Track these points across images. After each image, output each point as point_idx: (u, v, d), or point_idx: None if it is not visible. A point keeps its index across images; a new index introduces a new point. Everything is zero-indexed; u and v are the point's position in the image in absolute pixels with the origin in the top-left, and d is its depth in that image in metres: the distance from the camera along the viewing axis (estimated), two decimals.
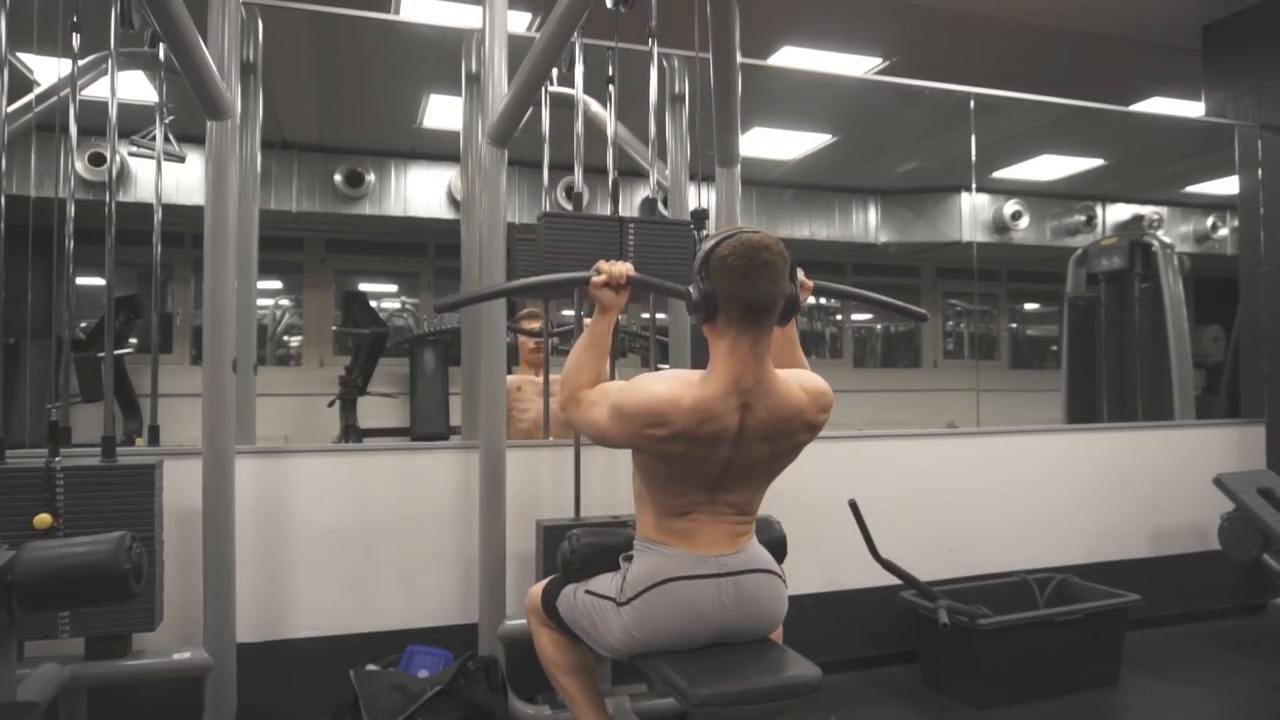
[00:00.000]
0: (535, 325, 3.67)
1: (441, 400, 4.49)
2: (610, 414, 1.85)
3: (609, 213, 2.79)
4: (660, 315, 3.33)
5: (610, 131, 2.95)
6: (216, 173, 2.49)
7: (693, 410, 1.76)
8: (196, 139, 2.68)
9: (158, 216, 3.17)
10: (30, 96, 3.04)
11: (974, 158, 4.70)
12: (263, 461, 2.80)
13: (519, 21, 4.45)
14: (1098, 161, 6.43)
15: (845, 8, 4.69)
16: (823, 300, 7.52)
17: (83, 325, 4.13)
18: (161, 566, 2.38)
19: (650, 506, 1.94)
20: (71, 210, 2.43)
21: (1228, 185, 4.88)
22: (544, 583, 2.22)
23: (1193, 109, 5.49)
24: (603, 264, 2.00)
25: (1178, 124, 5.53)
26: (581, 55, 2.91)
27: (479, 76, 3.01)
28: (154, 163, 3.23)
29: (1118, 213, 7.06)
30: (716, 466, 1.86)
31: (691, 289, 1.84)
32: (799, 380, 1.90)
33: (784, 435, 1.86)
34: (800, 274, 2.01)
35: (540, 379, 3.31)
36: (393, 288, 6.54)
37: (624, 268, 2.00)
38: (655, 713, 2.73)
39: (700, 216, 2.64)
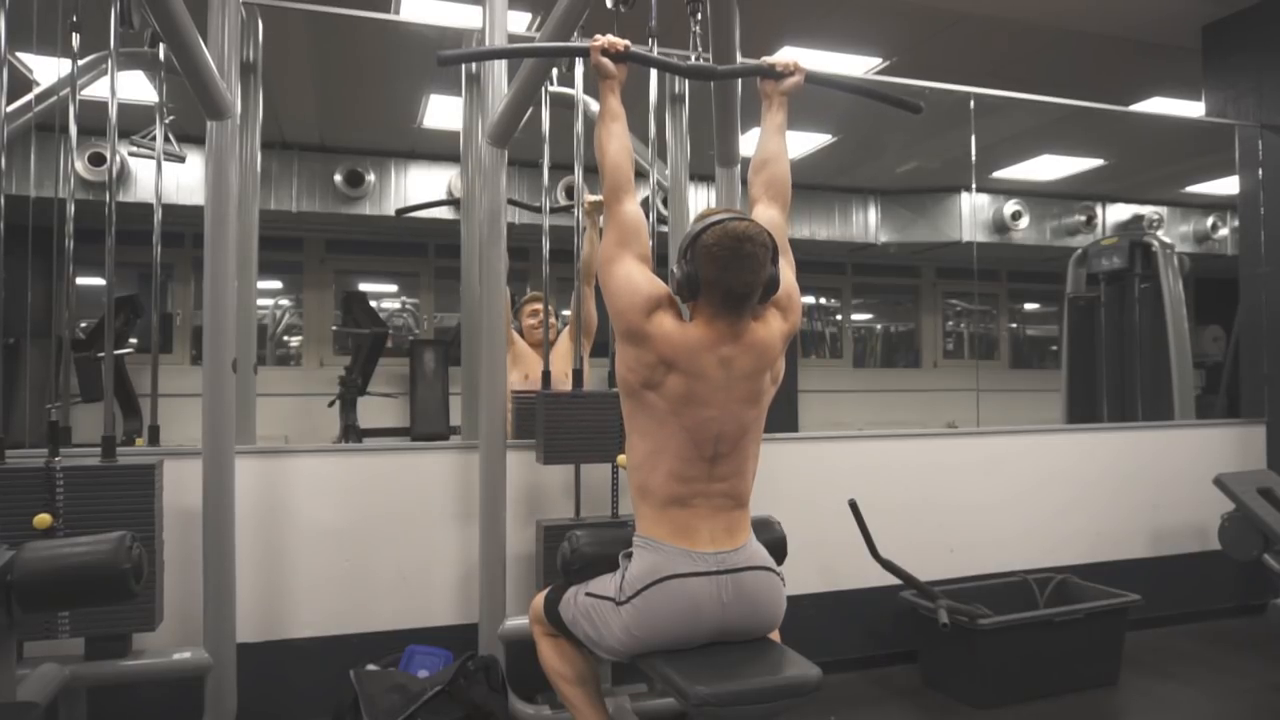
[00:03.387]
0: (536, 307, 3.68)
1: (441, 400, 4.49)
2: (611, 283, 1.95)
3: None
4: None
5: None
6: (216, 173, 2.49)
7: (667, 339, 1.89)
8: (196, 139, 2.68)
9: (158, 216, 3.17)
10: (30, 96, 3.04)
11: (974, 158, 4.70)
12: (263, 461, 2.80)
13: (519, 21, 4.45)
14: (1098, 161, 6.42)
15: (845, 8, 4.68)
16: (823, 300, 7.52)
17: (83, 325, 4.13)
18: (161, 566, 2.38)
19: (648, 499, 1.94)
20: (71, 210, 2.42)
21: (1228, 185, 4.88)
22: (545, 591, 2.23)
23: (1193, 109, 5.49)
24: (600, 35, 2.11)
25: (1178, 124, 5.54)
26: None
27: (479, 76, 3.01)
28: (154, 163, 3.23)
29: (1118, 213, 7.05)
30: (709, 435, 1.90)
31: (675, 269, 1.94)
32: (776, 302, 1.99)
33: (769, 364, 1.97)
34: (792, 63, 2.21)
35: (540, 360, 3.28)
36: (393, 288, 6.54)
37: (621, 40, 2.11)
38: (655, 713, 2.73)
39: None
